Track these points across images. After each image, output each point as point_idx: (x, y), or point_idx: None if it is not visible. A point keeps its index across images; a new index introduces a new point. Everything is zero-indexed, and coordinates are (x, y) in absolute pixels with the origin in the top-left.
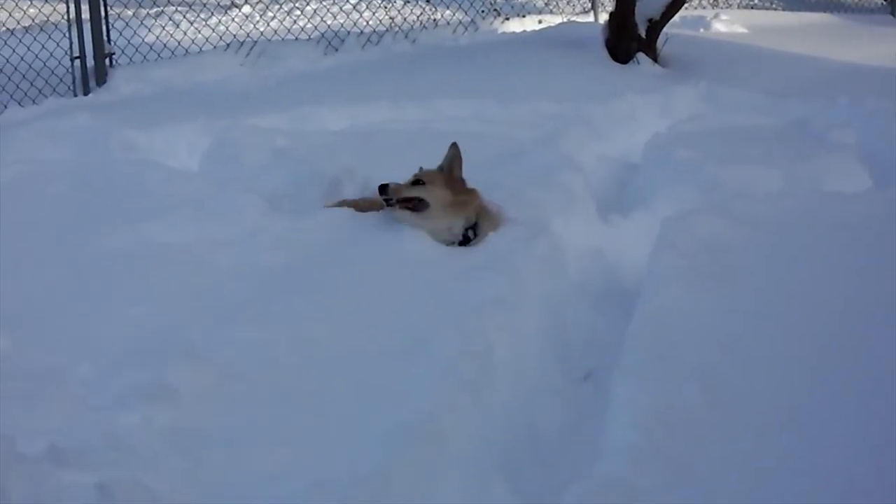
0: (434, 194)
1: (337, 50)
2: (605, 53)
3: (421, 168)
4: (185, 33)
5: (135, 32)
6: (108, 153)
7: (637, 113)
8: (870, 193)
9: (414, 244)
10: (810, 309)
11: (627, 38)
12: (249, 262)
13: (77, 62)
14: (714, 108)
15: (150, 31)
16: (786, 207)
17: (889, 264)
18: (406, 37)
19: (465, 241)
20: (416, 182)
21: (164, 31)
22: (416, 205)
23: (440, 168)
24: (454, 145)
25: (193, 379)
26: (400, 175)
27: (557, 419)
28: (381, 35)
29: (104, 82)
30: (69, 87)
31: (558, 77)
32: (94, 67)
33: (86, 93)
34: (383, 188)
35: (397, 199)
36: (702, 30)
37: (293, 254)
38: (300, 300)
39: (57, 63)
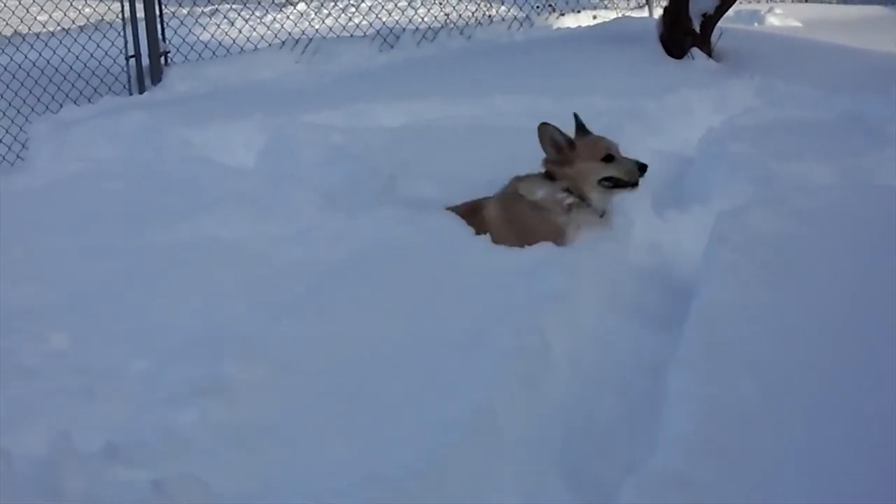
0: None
1: (392, 47)
2: (659, 48)
3: None
4: (239, 31)
5: (189, 31)
6: (164, 151)
7: (691, 107)
8: None
9: (471, 242)
10: (864, 304)
11: (682, 33)
12: (305, 258)
13: (132, 61)
14: (768, 102)
15: (204, 29)
16: (840, 201)
17: None
18: (461, 33)
19: None
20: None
21: (219, 30)
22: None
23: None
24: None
25: (249, 373)
26: (455, 170)
27: (614, 412)
28: (436, 32)
29: (159, 80)
30: (125, 86)
31: (612, 72)
32: (149, 66)
33: (141, 91)
34: (644, 167)
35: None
36: (756, 24)
37: (349, 250)
38: (356, 296)
39: (112, 62)
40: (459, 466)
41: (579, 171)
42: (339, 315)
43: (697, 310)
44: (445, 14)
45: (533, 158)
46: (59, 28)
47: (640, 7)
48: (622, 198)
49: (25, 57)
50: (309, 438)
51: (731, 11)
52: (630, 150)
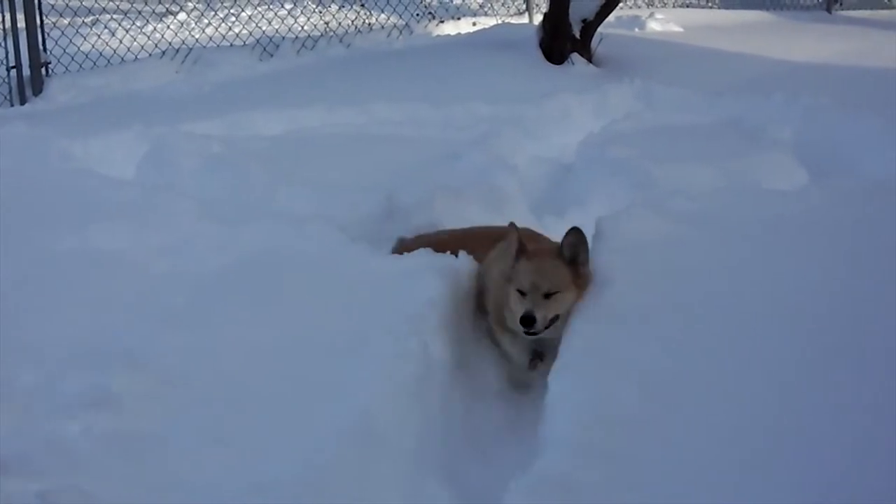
0: (567, 304)
1: (272, 56)
2: (539, 54)
3: (519, 242)
4: (120, 41)
5: (70, 41)
6: (45, 162)
7: (571, 113)
8: (806, 189)
9: (350, 248)
10: (746, 305)
11: (561, 39)
12: (186, 269)
13: (13, 71)
14: (649, 106)
15: (85, 39)
16: (722, 204)
17: (825, 260)
18: (341, 41)
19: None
20: (549, 294)
21: (100, 40)
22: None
23: (558, 249)
24: (577, 231)
25: (134, 385)
26: (336, 178)
27: (496, 417)
28: (315, 40)
29: (41, 91)
30: (5, 97)
31: (493, 79)
32: (30, 76)
33: (22, 102)
34: (528, 322)
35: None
36: (637, 29)
37: (230, 260)
38: (237, 305)
39: None
40: (342, 472)
41: None
42: (221, 324)
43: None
44: (325, 22)
45: (412, 167)
46: None
47: (520, 14)
48: None
49: None
50: (194, 448)
51: (611, 17)
52: (510, 157)
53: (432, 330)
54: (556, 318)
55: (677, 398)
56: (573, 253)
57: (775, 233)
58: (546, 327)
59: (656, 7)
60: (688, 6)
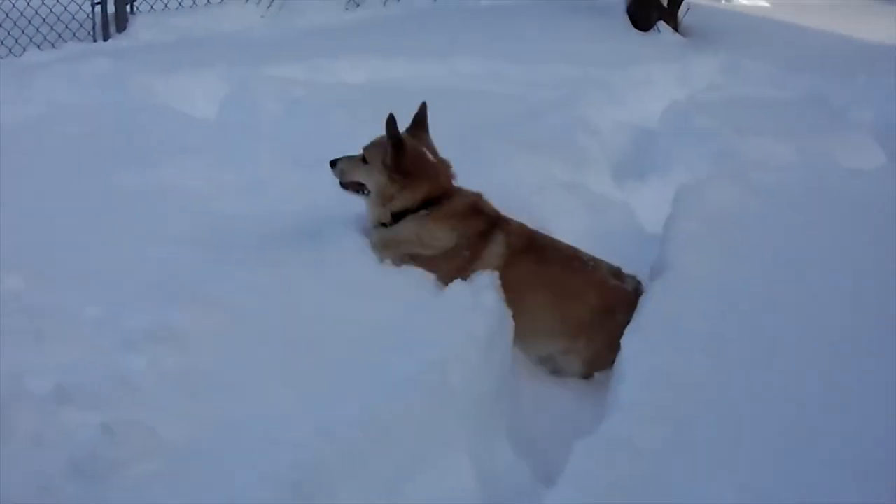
0: (373, 179)
1: (358, 5)
2: (626, 20)
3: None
4: None
5: None
6: (126, 97)
7: (655, 80)
8: (884, 170)
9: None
10: (817, 281)
11: (649, 6)
12: (260, 210)
13: (98, 8)
14: (732, 78)
15: None
16: (800, 179)
17: None
18: None
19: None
20: (363, 160)
21: None
22: (360, 188)
23: (407, 129)
24: (423, 105)
25: (202, 322)
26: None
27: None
28: None
29: (124, 29)
30: (89, 33)
31: (578, 41)
32: (114, 13)
33: (105, 38)
34: (333, 163)
35: (344, 182)
36: (724, 1)
37: (304, 203)
38: (310, 249)
39: (78, 8)
40: (408, 422)
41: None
42: (292, 267)
43: (657, 280)
44: None
45: (493, 123)
46: None
47: None
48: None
49: None
50: (259, 389)
51: None
52: (592, 119)
53: None
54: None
55: (746, 367)
56: (412, 126)
57: (851, 211)
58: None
59: None
60: None
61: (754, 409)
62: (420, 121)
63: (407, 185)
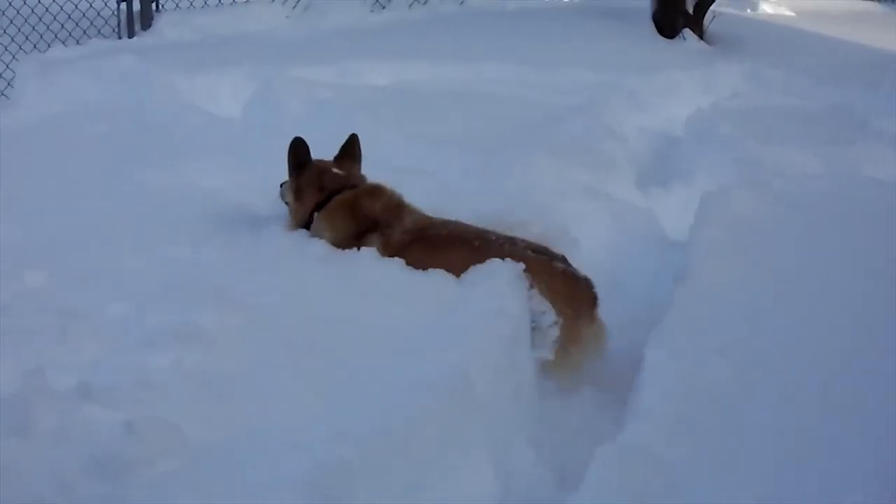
0: (290, 197)
1: (384, 8)
2: (651, 27)
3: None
4: None
5: None
6: (150, 96)
7: (680, 87)
8: None
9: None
10: (840, 290)
11: (675, 13)
12: (283, 211)
13: (123, 5)
14: (756, 87)
15: None
16: (823, 189)
17: None
18: None
19: None
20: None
21: None
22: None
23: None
24: (354, 137)
25: (225, 322)
26: (438, 132)
27: (589, 383)
28: None
29: (149, 26)
30: (114, 30)
31: (603, 47)
32: (139, 11)
33: (130, 36)
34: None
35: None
36: (749, 10)
37: None
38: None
39: (103, 5)
40: (431, 427)
41: None
42: (316, 269)
43: (680, 290)
44: None
45: (515, 127)
46: None
47: None
48: None
49: None
50: (281, 390)
51: None
52: (616, 125)
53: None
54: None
55: (769, 376)
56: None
57: (874, 222)
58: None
59: None
60: None
61: (776, 419)
62: (348, 152)
63: (300, 197)
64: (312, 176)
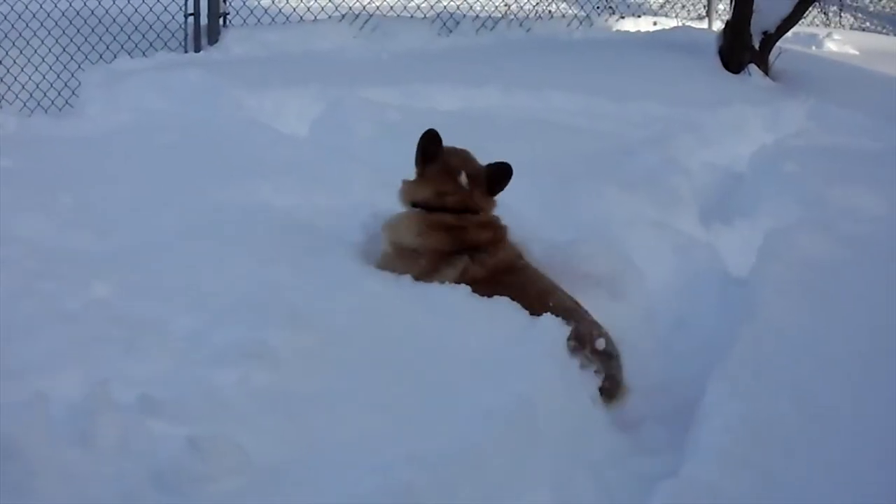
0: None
1: (451, 32)
2: (717, 61)
3: None
4: (300, 0)
5: None
6: (217, 110)
7: (745, 123)
8: None
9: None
10: None
11: (741, 49)
12: (354, 233)
13: (191, 19)
14: (821, 125)
15: None
16: (890, 231)
17: None
18: (521, 25)
19: None
20: None
21: None
22: None
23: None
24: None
25: (294, 341)
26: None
27: (653, 416)
28: (496, 21)
29: (216, 41)
30: (180, 43)
31: (670, 80)
32: (206, 25)
33: (197, 50)
34: None
35: None
36: (814, 47)
37: None
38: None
39: (171, 18)
40: (496, 454)
41: None
42: (386, 291)
43: (745, 327)
44: (506, 5)
45: (584, 158)
46: None
47: (700, 18)
48: None
49: (84, 4)
50: (350, 412)
51: (789, 32)
52: (683, 159)
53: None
54: None
55: (833, 418)
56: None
57: None
58: None
59: (833, 28)
60: (864, 30)
61: (843, 462)
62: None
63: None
64: (445, 172)
